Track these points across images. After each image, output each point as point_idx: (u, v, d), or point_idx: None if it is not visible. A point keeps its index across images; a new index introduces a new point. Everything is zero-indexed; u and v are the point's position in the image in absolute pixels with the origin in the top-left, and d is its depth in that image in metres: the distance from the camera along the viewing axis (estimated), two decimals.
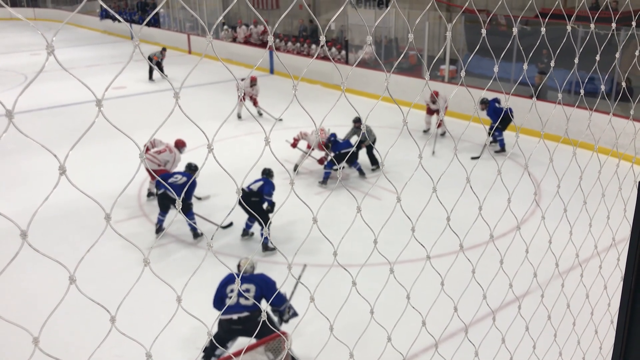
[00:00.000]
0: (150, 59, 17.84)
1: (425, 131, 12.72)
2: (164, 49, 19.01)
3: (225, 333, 5.14)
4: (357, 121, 10.59)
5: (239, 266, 5.48)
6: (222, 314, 5.11)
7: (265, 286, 5.19)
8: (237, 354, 3.76)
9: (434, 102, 12.35)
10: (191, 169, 8.22)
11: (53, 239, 7.67)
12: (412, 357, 5.15)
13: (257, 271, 5.54)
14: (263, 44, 21.24)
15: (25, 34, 29.43)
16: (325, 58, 16.99)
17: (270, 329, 5.00)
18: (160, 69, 18.60)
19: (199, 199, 9.25)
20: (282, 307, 5.26)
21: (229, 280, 5.25)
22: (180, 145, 9.13)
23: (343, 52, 18.11)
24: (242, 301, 5.08)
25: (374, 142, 10.30)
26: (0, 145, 10.56)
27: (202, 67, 13.89)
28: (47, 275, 6.61)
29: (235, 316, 5.05)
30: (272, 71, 19.64)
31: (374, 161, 10.63)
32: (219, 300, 5.20)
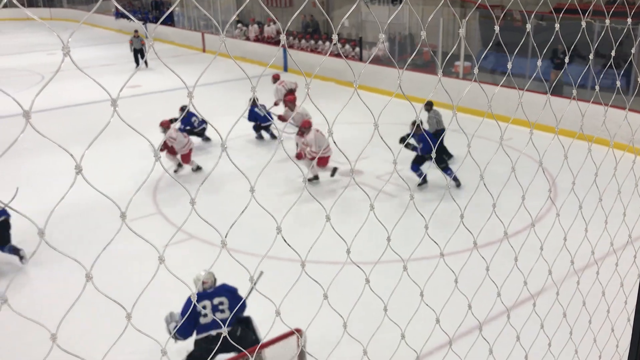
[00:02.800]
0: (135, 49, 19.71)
1: None
2: (135, 31, 19.98)
3: (204, 352, 4.84)
4: (429, 105, 10.50)
5: (203, 282, 5.03)
6: (198, 332, 4.85)
7: (231, 296, 5.01)
8: None
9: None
10: None
11: (68, 238, 7.75)
12: (426, 354, 5.14)
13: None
14: (276, 42, 21.26)
15: (41, 33, 29.72)
16: (339, 55, 16.95)
17: (251, 341, 4.89)
18: (142, 54, 19.83)
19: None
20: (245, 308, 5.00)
21: (198, 299, 4.89)
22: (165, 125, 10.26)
23: (357, 49, 18.09)
24: (219, 316, 4.84)
25: (439, 133, 10.19)
26: (16, 144, 10.63)
27: (217, 65, 13.92)
28: (62, 274, 6.68)
29: (214, 332, 4.81)
30: (285, 69, 19.66)
31: (445, 152, 10.61)
32: (193, 322, 4.80)
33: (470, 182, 8.96)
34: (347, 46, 18.33)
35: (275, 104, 13.32)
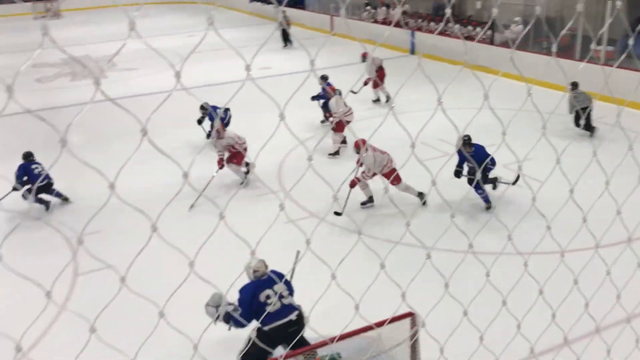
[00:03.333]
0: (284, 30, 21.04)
1: (374, 100, 13.73)
2: (283, 11, 21.07)
3: (273, 343, 4.69)
4: (574, 85, 10.31)
5: (254, 271, 4.86)
6: (266, 323, 4.65)
7: (285, 281, 4.90)
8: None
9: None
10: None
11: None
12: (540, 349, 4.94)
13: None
14: (405, 24, 20.97)
15: (181, 17, 31.53)
16: (468, 38, 16.43)
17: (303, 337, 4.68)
18: (287, 34, 21.17)
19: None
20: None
21: (256, 288, 4.75)
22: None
23: (489, 32, 17.40)
24: (285, 301, 4.75)
25: (585, 109, 9.88)
26: (152, 121, 11.40)
27: (345, 47, 14.07)
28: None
29: (286, 319, 4.69)
30: (412, 52, 19.38)
31: (588, 128, 10.34)
32: (255, 313, 4.65)
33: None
34: (478, 29, 17.69)
35: (365, 83, 13.27)
